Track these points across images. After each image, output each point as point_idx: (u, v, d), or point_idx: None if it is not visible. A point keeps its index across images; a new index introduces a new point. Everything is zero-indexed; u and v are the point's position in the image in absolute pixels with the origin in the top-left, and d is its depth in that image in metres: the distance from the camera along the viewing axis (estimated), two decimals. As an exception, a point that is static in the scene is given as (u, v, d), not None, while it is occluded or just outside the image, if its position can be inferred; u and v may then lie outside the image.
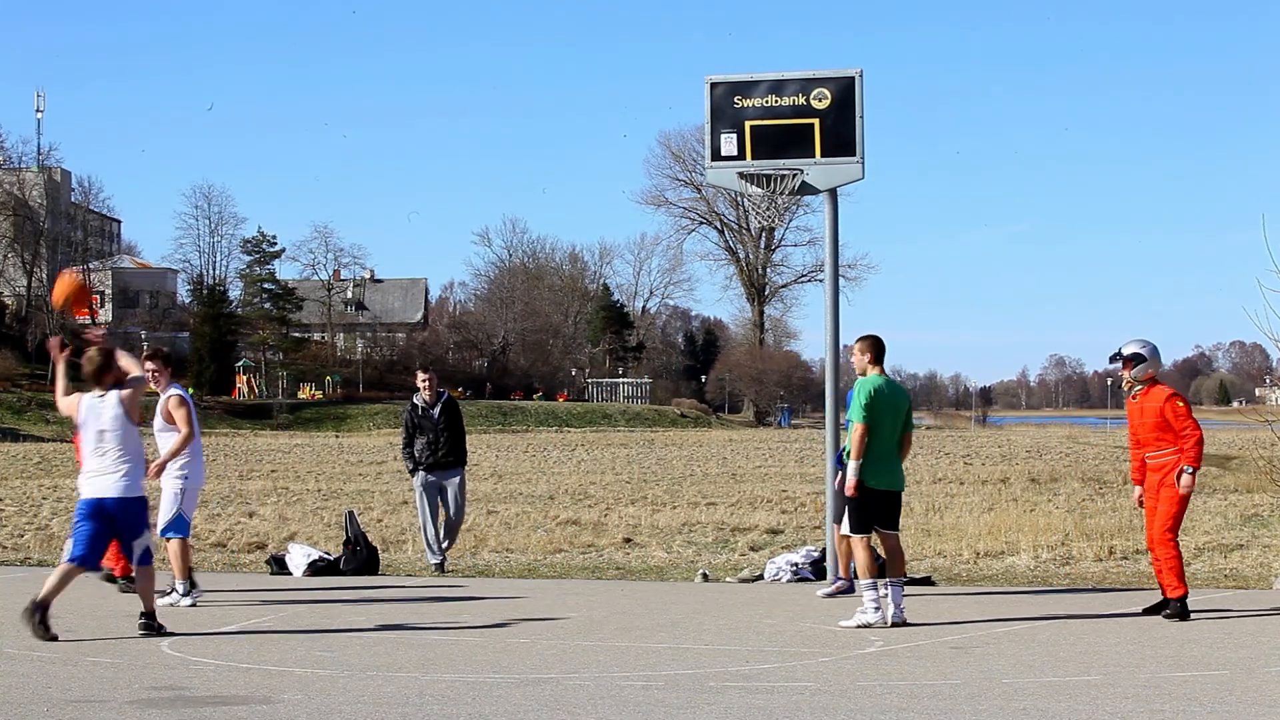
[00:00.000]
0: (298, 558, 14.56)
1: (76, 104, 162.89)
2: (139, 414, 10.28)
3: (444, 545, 14.89)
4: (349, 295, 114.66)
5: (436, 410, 14.85)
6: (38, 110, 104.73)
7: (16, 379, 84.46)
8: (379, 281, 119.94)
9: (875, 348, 11.01)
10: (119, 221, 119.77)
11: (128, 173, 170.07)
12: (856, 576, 10.95)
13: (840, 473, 11.72)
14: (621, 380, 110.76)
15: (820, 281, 77.57)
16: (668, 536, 18.77)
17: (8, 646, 9.58)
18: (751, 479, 34.00)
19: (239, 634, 10.26)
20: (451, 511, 14.91)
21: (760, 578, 13.84)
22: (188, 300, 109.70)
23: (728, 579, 14.11)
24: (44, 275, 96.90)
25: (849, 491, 10.70)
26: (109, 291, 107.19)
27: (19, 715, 7.37)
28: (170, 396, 12.03)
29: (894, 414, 10.80)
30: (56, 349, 10.77)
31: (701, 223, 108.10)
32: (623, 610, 11.49)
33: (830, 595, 12.22)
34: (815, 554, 13.97)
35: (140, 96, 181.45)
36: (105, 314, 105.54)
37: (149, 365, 11.86)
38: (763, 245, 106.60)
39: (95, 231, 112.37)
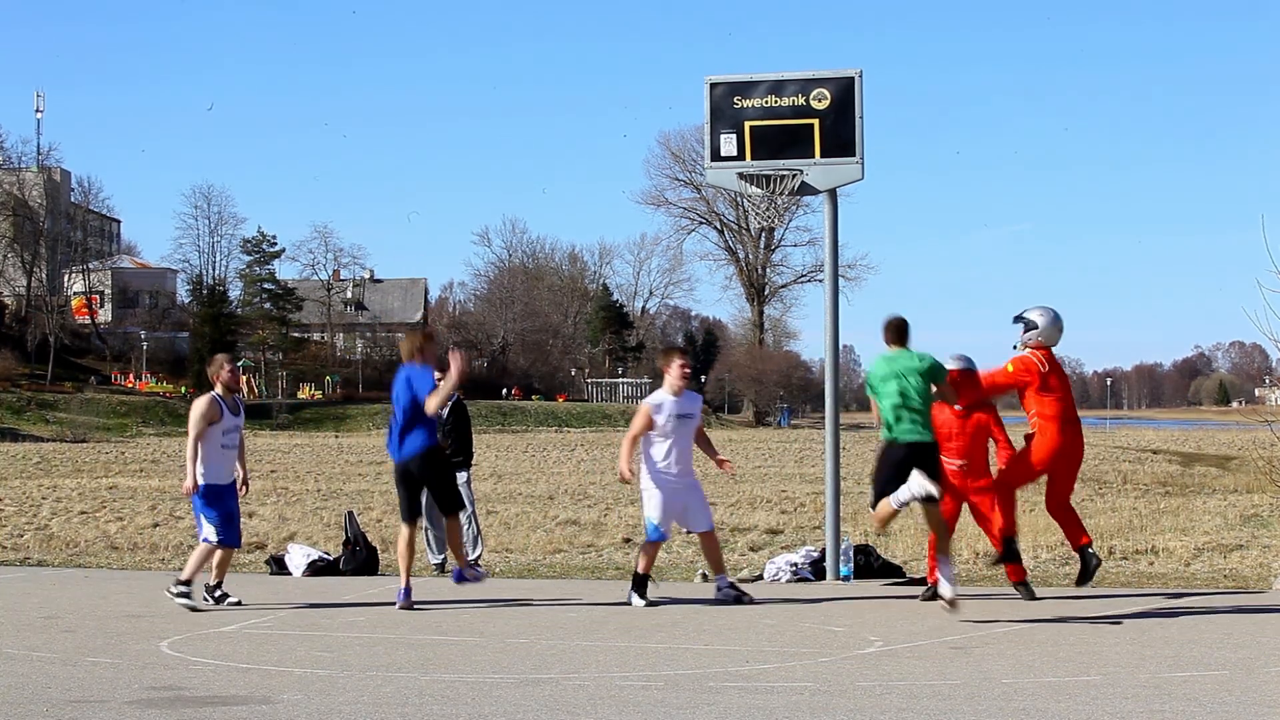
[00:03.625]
0: (297, 558, 14.56)
1: (76, 104, 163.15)
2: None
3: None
4: (348, 295, 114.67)
5: (445, 411, 14.81)
6: (37, 110, 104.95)
7: (16, 379, 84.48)
8: (379, 281, 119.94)
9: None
10: (119, 221, 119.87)
11: (128, 173, 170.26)
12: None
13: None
14: (621, 380, 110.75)
15: (820, 282, 77.46)
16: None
17: (8, 646, 9.58)
18: (751, 479, 33.99)
19: (238, 634, 10.26)
20: (461, 515, 14.86)
21: (760, 578, 13.85)
22: (187, 300, 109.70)
23: (727, 579, 14.09)
24: (44, 275, 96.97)
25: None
26: (109, 291, 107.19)
27: (18, 715, 7.36)
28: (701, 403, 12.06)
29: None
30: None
31: (701, 223, 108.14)
32: (622, 610, 11.48)
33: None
34: (815, 554, 13.97)
35: (140, 96, 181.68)
36: (105, 314, 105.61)
37: (676, 363, 11.80)
38: (762, 245, 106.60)
39: (95, 231, 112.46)
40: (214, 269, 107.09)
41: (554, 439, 69.33)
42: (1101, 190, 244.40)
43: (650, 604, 11.64)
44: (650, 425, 11.62)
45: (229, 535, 11.69)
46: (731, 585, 11.90)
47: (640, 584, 11.78)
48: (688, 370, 11.88)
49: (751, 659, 9.06)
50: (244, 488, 12.02)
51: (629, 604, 11.66)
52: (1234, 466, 39.37)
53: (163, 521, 21.27)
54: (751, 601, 11.75)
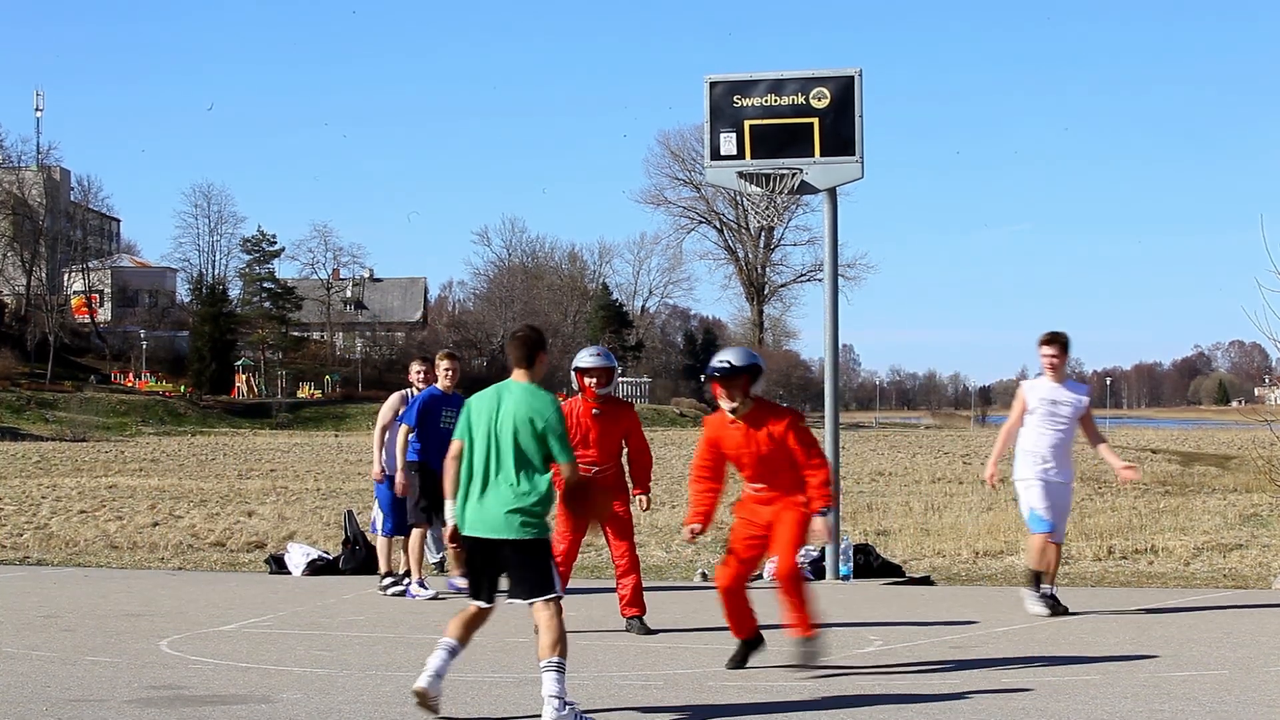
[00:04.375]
0: (297, 557, 14.55)
1: (76, 103, 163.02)
2: None
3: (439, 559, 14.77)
4: (348, 294, 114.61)
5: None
6: (37, 109, 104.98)
7: (16, 378, 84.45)
8: (378, 281, 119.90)
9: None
10: (118, 220, 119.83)
11: (127, 172, 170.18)
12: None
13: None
14: (621, 380, 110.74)
15: (819, 281, 77.44)
16: (667, 536, 18.75)
17: (7, 645, 9.58)
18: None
19: (237, 633, 10.25)
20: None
21: (759, 577, 13.83)
22: (187, 299, 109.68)
23: (727, 578, 14.08)
24: (43, 274, 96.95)
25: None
26: (108, 290, 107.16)
27: (17, 714, 7.36)
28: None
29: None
30: None
31: (701, 222, 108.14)
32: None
33: None
34: (814, 553, 13.97)
35: (140, 96, 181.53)
36: (104, 313, 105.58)
37: (1046, 349, 10.96)
38: (762, 244, 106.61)
39: (94, 230, 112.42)
40: (214, 268, 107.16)
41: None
42: (1101, 190, 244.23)
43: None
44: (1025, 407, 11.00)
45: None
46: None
47: (1034, 582, 11.08)
48: (1057, 360, 11.02)
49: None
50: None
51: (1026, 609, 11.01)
52: (1233, 466, 39.36)
53: (162, 521, 21.27)
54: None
